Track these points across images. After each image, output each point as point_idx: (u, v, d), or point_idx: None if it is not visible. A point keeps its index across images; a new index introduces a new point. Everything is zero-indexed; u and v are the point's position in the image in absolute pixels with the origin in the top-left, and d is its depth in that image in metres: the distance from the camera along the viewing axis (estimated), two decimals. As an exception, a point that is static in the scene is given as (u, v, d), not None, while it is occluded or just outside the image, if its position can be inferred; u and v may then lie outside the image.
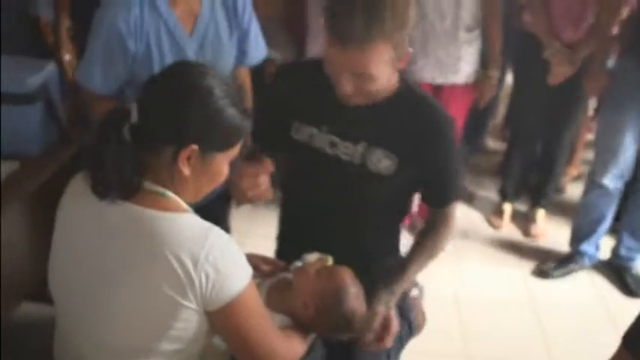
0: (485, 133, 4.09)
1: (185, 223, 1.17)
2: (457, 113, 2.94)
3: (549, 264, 3.06)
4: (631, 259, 3.01)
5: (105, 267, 1.19)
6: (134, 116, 1.17)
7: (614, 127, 2.77)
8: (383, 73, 1.43)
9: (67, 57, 2.73)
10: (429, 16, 2.74)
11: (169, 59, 1.78)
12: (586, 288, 2.99)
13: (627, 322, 1.32)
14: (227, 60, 1.93)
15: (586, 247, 3.03)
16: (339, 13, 1.36)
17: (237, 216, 1.55)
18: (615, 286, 2.98)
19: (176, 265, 1.13)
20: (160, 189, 1.19)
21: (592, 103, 3.49)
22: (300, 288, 1.44)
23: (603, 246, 3.12)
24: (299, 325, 1.43)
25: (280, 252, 1.80)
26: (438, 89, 2.92)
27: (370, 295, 1.51)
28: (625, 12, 2.83)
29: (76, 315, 1.26)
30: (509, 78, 3.65)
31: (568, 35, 2.91)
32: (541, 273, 3.03)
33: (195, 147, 1.17)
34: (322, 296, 1.41)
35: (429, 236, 1.67)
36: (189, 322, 1.19)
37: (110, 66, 1.78)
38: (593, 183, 2.93)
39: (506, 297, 2.89)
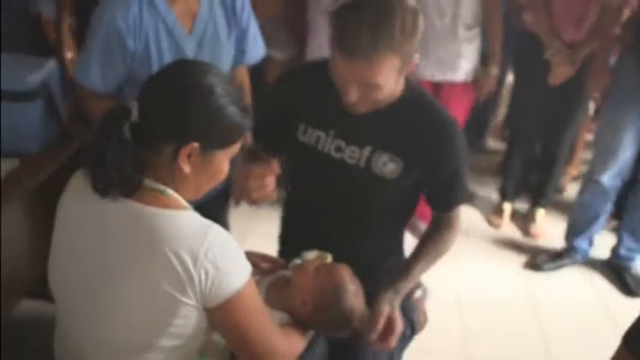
0: (486, 133, 4.10)
1: (185, 221, 1.18)
2: (457, 112, 2.95)
3: (542, 257, 3.09)
4: (631, 259, 3.01)
5: (104, 264, 1.19)
6: (134, 114, 1.18)
7: (614, 126, 2.78)
8: (390, 82, 1.42)
9: (68, 55, 2.73)
10: (428, 14, 2.75)
11: (168, 58, 1.78)
12: (586, 288, 2.99)
13: (627, 321, 1.32)
14: (225, 59, 1.93)
15: (580, 242, 3.06)
16: (347, 26, 1.34)
17: (236, 214, 1.55)
18: (615, 286, 2.99)
19: (175, 262, 1.13)
20: (160, 186, 1.20)
21: (592, 104, 3.49)
22: (299, 285, 1.44)
23: (603, 246, 3.13)
24: (298, 323, 1.44)
25: (283, 253, 1.80)
26: (437, 87, 2.93)
27: (374, 297, 1.51)
28: (626, 12, 2.83)
29: (76, 312, 1.26)
30: (510, 78, 3.65)
31: (569, 35, 2.92)
32: (533, 266, 3.06)
33: (195, 145, 1.17)
34: (321, 293, 1.42)
35: (434, 238, 1.66)
36: (188, 318, 1.19)
37: (109, 64, 1.78)
38: (590, 180, 2.94)
39: (507, 296, 2.89)
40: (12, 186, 1.79)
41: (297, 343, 1.40)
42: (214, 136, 1.19)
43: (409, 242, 1.78)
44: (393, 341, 1.50)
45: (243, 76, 2.07)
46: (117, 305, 1.18)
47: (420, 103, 1.54)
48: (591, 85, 2.89)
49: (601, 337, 2.54)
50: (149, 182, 1.19)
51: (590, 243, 3.09)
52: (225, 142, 1.22)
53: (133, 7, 1.74)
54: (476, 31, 2.84)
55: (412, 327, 1.72)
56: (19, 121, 1.86)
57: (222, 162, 1.24)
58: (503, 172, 3.50)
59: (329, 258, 1.50)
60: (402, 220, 1.75)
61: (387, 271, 1.61)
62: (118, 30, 1.74)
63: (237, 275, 1.19)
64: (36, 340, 1.57)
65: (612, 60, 2.90)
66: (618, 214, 3.21)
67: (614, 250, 3.05)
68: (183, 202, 1.22)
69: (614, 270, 3.04)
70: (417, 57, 1.43)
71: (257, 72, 2.78)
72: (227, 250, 1.18)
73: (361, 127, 1.53)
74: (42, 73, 1.94)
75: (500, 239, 3.30)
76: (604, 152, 2.85)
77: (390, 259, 1.73)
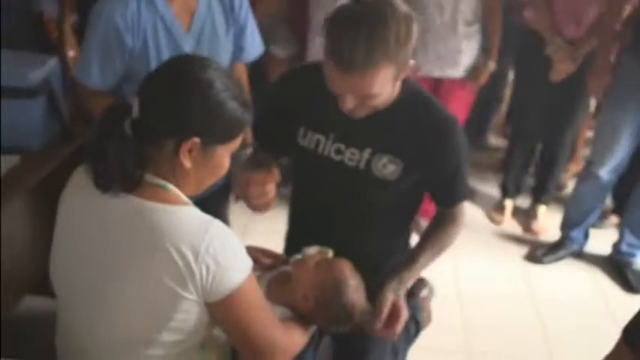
0: (487, 130, 4.10)
1: (186, 216, 1.18)
2: (458, 108, 2.96)
3: (540, 250, 3.11)
4: (632, 255, 3.02)
5: (105, 259, 1.20)
6: (135, 111, 1.18)
7: (614, 122, 2.79)
8: (386, 90, 1.42)
9: (71, 53, 2.73)
10: (428, 10, 2.75)
11: (166, 55, 1.79)
12: (587, 283, 3.00)
13: (627, 317, 1.32)
14: (223, 56, 1.94)
15: (575, 233, 3.08)
16: (340, 39, 1.32)
17: (237, 212, 1.55)
18: (616, 282, 2.99)
19: (177, 256, 1.13)
20: (161, 182, 1.20)
21: (593, 101, 3.49)
22: (300, 280, 1.44)
23: (604, 242, 3.14)
24: (299, 318, 1.44)
25: (288, 250, 1.80)
26: (437, 83, 2.93)
27: (378, 287, 1.52)
28: (628, 9, 2.83)
29: (77, 307, 1.26)
30: (511, 75, 3.65)
31: (570, 32, 2.92)
32: (532, 259, 3.10)
33: (196, 140, 1.17)
34: (322, 288, 1.42)
35: (438, 232, 1.66)
36: (189, 313, 1.19)
37: (107, 61, 1.79)
38: (589, 173, 2.95)
39: (508, 292, 2.89)
40: (13, 182, 1.80)
41: (298, 338, 1.40)
42: (215, 131, 1.20)
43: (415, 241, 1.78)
44: (399, 328, 1.49)
45: (241, 73, 2.07)
46: (118, 300, 1.19)
47: (418, 103, 1.54)
48: (592, 85, 2.88)
49: (601, 332, 2.54)
50: (150, 177, 1.19)
51: (586, 235, 3.12)
52: (225, 137, 1.22)
53: (131, 4, 1.75)
54: (476, 28, 2.85)
55: (417, 326, 1.72)
56: (21, 117, 1.87)
57: (223, 157, 1.24)
58: (504, 169, 3.50)
59: (330, 253, 1.50)
60: (406, 220, 1.75)
61: (391, 270, 1.62)
62: (116, 27, 1.74)
63: (238, 270, 1.19)
64: (39, 335, 1.58)
65: (612, 58, 2.90)
66: (619, 210, 3.21)
67: (616, 246, 3.06)
68: (184, 198, 1.22)
69: (615, 266, 3.05)
70: (412, 62, 1.42)
71: (258, 69, 2.79)
72: (228, 245, 1.18)
73: (360, 129, 1.53)
74: (44, 70, 1.94)
75: (502, 235, 3.30)
76: (602, 147, 2.87)
77: (394, 258, 1.73)
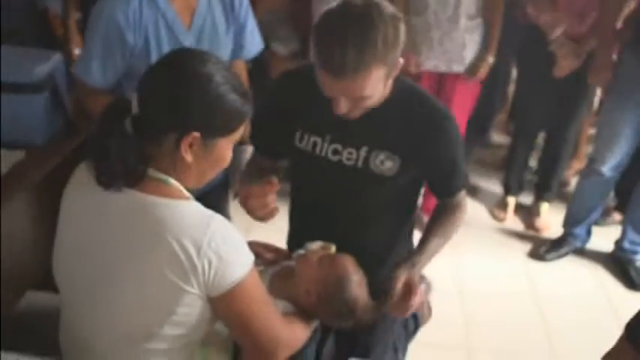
0: (490, 127, 4.09)
1: (187, 210, 1.18)
2: (462, 103, 2.96)
3: (543, 247, 3.11)
4: (634, 252, 3.02)
5: (107, 253, 1.20)
6: (134, 107, 1.18)
7: (616, 119, 2.79)
8: (378, 90, 1.44)
9: (76, 51, 2.73)
10: (431, 6, 2.76)
11: None
12: (589, 280, 3.00)
13: (629, 314, 1.32)
14: (223, 54, 1.95)
15: (578, 230, 3.09)
16: (329, 45, 1.34)
17: (239, 208, 1.56)
18: (618, 279, 2.99)
19: (179, 250, 1.14)
20: (163, 176, 1.20)
21: (597, 98, 3.49)
22: (303, 275, 1.45)
23: (607, 239, 3.14)
24: (302, 312, 1.45)
25: (290, 249, 1.81)
26: (442, 79, 2.93)
27: (383, 286, 1.52)
28: (629, 7, 2.82)
29: (80, 301, 1.27)
30: (515, 72, 3.64)
31: (573, 29, 2.91)
32: (535, 256, 3.10)
33: (196, 134, 1.17)
34: (324, 283, 1.43)
35: (443, 219, 1.67)
36: (192, 307, 1.20)
37: (109, 59, 1.79)
38: (591, 170, 2.95)
39: (510, 289, 2.89)
40: (18, 178, 1.80)
41: (300, 332, 1.41)
42: (215, 125, 1.19)
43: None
44: (417, 302, 1.48)
45: (241, 70, 2.08)
46: (120, 294, 1.19)
47: (410, 98, 1.56)
48: (592, 81, 2.88)
49: (603, 328, 2.55)
50: (152, 172, 1.20)
51: (588, 232, 3.12)
52: (226, 130, 1.22)
53: (132, 2, 1.75)
54: (477, 21, 2.85)
55: (416, 321, 1.73)
56: (25, 112, 1.87)
57: (225, 149, 1.24)
58: (507, 166, 3.50)
59: (332, 248, 1.51)
60: (405, 214, 1.76)
61: (396, 264, 1.62)
62: (117, 24, 1.74)
63: (240, 265, 1.19)
64: (43, 330, 1.58)
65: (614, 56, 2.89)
66: (622, 207, 3.21)
67: (618, 244, 3.06)
68: (186, 193, 1.23)
69: (617, 263, 3.05)
70: (401, 60, 1.43)
71: (260, 66, 2.79)
72: (229, 239, 1.18)
73: (356, 129, 1.54)
74: (48, 65, 1.94)
75: (504, 232, 3.31)
76: (604, 144, 2.87)
77: (396, 252, 1.74)
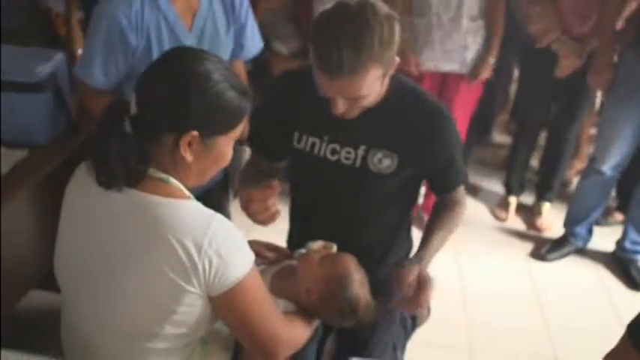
0: (492, 127, 4.09)
1: (188, 210, 1.18)
2: (465, 103, 2.96)
3: (545, 247, 3.11)
4: (635, 252, 3.02)
5: (108, 252, 1.20)
6: (133, 107, 1.18)
7: (617, 119, 2.79)
8: (375, 89, 1.45)
9: (79, 51, 2.73)
10: (433, 8, 2.76)
11: None
12: (591, 281, 3.00)
13: (630, 314, 1.32)
14: (224, 54, 1.96)
15: (579, 230, 3.09)
16: (326, 46, 1.36)
17: (237, 208, 1.56)
18: (619, 279, 2.99)
19: (179, 249, 1.14)
20: (163, 175, 1.20)
21: (598, 98, 3.48)
22: (304, 275, 1.45)
23: (608, 239, 3.14)
24: (303, 311, 1.45)
25: (290, 247, 1.81)
26: (444, 79, 2.93)
27: (384, 285, 1.52)
28: (630, 7, 2.82)
29: (82, 300, 1.27)
30: (516, 72, 3.64)
31: (575, 29, 2.91)
32: (537, 256, 3.10)
33: (195, 133, 1.17)
34: (326, 283, 1.43)
35: (443, 215, 1.68)
36: (193, 307, 1.20)
37: (111, 60, 1.80)
38: (592, 169, 2.96)
39: (511, 289, 2.90)
40: (19, 177, 1.81)
41: (301, 331, 1.41)
42: (214, 123, 1.19)
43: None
44: (429, 295, 1.49)
45: (241, 70, 2.09)
46: (121, 293, 1.20)
47: (407, 96, 1.57)
48: (592, 81, 2.88)
49: (604, 328, 2.54)
50: (152, 171, 1.20)
51: (590, 231, 3.12)
52: (225, 128, 1.21)
53: (134, 4, 1.76)
54: (480, 23, 2.85)
55: (414, 320, 1.73)
56: (28, 112, 1.87)
57: (225, 147, 1.24)
58: (508, 166, 3.50)
59: (334, 248, 1.51)
60: (405, 211, 1.76)
61: (396, 263, 1.62)
62: (119, 26, 1.75)
63: (241, 264, 1.19)
64: (45, 330, 1.59)
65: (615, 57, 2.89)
66: (624, 207, 3.21)
67: (619, 244, 3.06)
68: (186, 192, 1.23)
69: (619, 263, 3.05)
70: (397, 59, 1.45)
71: (261, 66, 2.80)
72: (230, 239, 1.18)
73: (353, 128, 1.55)
74: (51, 64, 1.94)
75: (506, 232, 3.31)
76: (605, 144, 2.87)
77: (396, 250, 1.75)
